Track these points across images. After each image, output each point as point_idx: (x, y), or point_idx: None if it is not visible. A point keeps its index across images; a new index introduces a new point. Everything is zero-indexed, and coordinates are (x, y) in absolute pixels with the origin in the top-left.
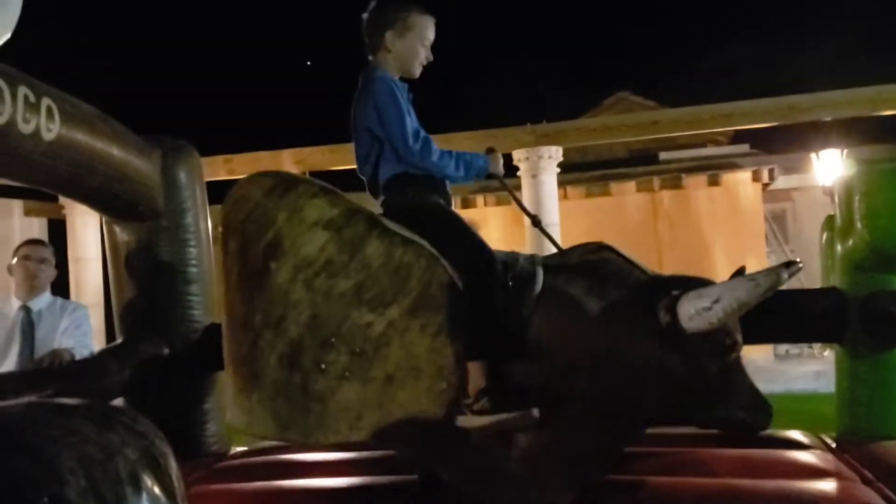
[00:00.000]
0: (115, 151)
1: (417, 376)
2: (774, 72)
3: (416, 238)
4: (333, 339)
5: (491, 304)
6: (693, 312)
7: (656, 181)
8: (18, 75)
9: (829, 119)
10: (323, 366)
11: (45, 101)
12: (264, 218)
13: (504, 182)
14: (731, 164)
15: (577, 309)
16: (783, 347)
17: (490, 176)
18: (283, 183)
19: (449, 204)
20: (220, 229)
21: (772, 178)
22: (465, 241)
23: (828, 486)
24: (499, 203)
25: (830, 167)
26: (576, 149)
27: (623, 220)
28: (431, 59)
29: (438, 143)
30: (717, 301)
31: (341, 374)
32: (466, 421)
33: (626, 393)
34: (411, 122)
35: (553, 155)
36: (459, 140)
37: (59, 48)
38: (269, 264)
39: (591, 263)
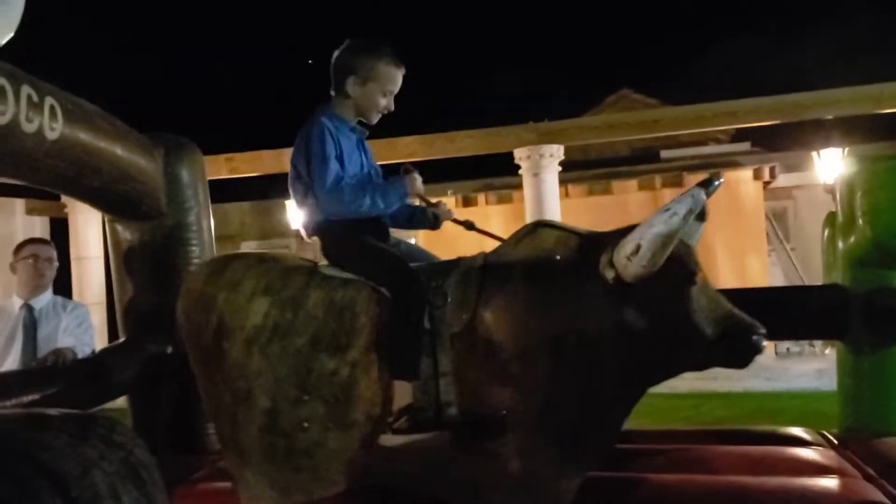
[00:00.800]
0: (118, 150)
1: (387, 406)
2: (776, 70)
3: (352, 277)
4: (305, 396)
5: (408, 321)
6: (625, 261)
7: (658, 179)
8: (21, 74)
9: (831, 117)
10: (305, 424)
11: (49, 101)
12: (206, 303)
13: (427, 200)
14: (732, 163)
15: (526, 295)
16: (784, 345)
17: (420, 198)
18: (218, 265)
19: (380, 233)
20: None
21: (773, 176)
22: (382, 266)
23: (831, 482)
24: (500, 201)
25: (832, 165)
26: (577, 147)
27: (625, 218)
28: (392, 108)
29: (441, 141)
30: (640, 241)
31: (323, 427)
32: (387, 440)
33: (591, 365)
34: (337, 168)
35: (555, 153)
36: (461, 139)
37: (60, 47)
38: (221, 345)
39: (531, 245)
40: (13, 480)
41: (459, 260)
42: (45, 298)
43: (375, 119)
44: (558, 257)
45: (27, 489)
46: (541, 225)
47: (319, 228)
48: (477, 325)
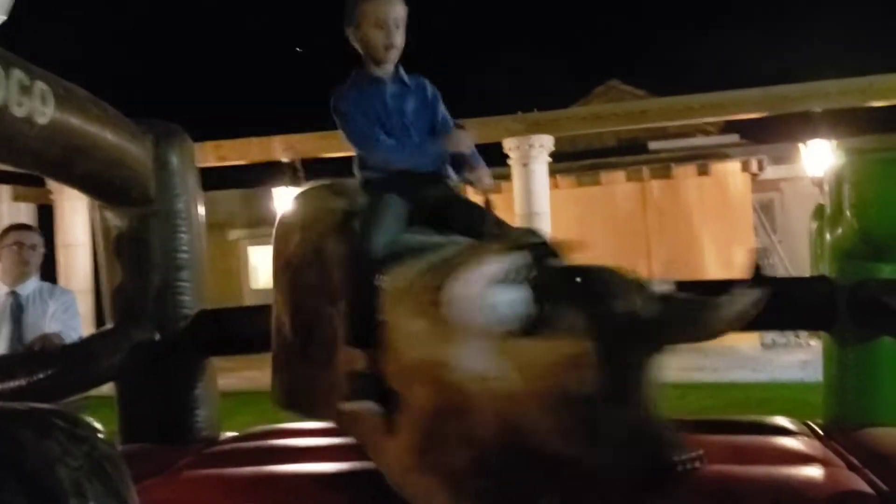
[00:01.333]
0: (109, 136)
1: None
2: (765, 62)
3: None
4: (314, 331)
5: (356, 286)
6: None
7: (646, 171)
8: (12, 58)
9: (819, 109)
10: (312, 353)
11: (39, 85)
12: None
13: (470, 160)
14: (720, 154)
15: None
16: (770, 336)
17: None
18: (306, 192)
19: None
20: None
21: (761, 168)
22: (363, 230)
23: (815, 471)
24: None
25: (819, 157)
26: (566, 138)
27: (612, 209)
28: (397, 41)
29: None
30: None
31: (322, 362)
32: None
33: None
34: (364, 124)
35: (544, 144)
36: None
37: (46, 32)
38: (275, 267)
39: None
40: None
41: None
42: (32, 285)
43: (390, 57)
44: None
45: None
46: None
47: (361, 187)
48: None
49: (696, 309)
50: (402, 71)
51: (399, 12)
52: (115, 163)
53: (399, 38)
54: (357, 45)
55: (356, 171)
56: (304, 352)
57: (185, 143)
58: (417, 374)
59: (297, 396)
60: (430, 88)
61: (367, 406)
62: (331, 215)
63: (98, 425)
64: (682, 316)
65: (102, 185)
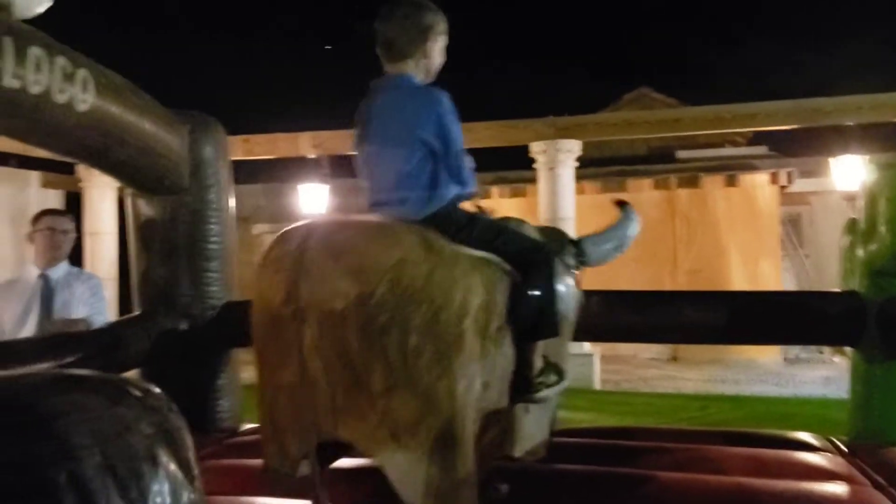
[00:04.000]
0: (146, 125)
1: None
2: (796, 74)
3: (485, 255)
4: (484, 380)
5: (554, 286)
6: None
7: (673, 179)
8: (57, 45)
9: (850, 123)
10: (476, 413)
11: (82, 73)
12: (448, 277)
13: None
14: (749, 165)
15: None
16: (793, 351)
17: None
18: (423, 234)
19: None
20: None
21: (790, 180)
22: (524, 240)
23: (839, 488)
24: (514, 195)
25: (849, 172)
26: (593, 144)
27: (639, 216)
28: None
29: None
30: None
31: (482, 413)
32: (540, 397)
33: None
34: None
35: (572, 149)
36: (479, 129)
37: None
38: (462, 326)
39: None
40: (50, 438)
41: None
42: (62, 269)
43: (435, 76)
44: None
45: (64, 447)
46: (509, 219)
47: (452, 202)
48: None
49: None
50: None
51: None
52: (151, 151)
53: None
54: (423, 55)
55: (446, 187)
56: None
57: (219, 135)
58: None
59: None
60: None
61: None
62: (456, 249)
63: (168, 397)
64: None
65: (137, 172)
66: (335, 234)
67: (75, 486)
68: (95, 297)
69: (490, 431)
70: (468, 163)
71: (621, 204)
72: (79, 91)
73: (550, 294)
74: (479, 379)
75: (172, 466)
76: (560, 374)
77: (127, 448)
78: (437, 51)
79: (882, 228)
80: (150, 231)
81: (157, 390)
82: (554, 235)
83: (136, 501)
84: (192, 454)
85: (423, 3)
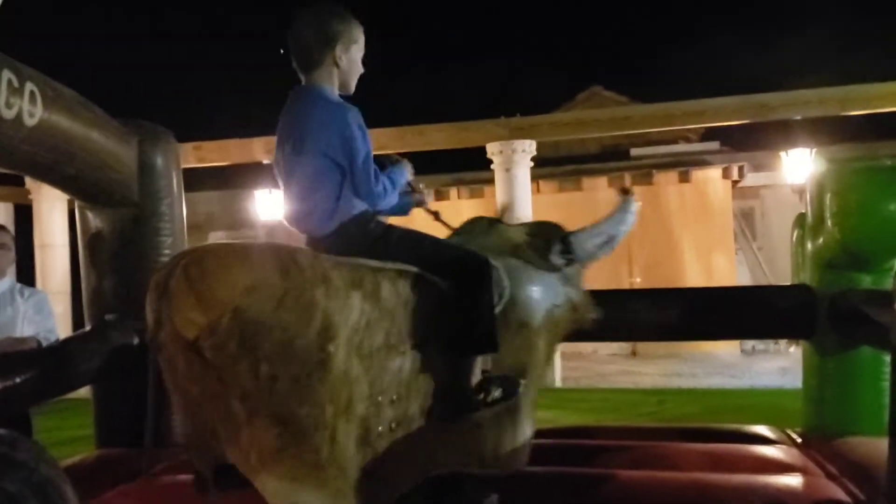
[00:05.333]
0: (96, 138)
1: (444, 396)
2: (746, 70)
3: (405, 267)
4: (380, 398)
5: (490, 297)
6: (593, 249)
7: (627, 177)
8: (2, 58)
9: (798, 118)
10: (380, 428)
11: (29, 86)
12: (301, 299)
13: (417, 187)
14: (701, 161)
15: (528, 278)
16: (749, 343)
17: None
18: (288, 257)
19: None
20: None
21: (741, 175)
22: (450, 250)
23: (793, 480)
24: (472, 195)
25: (799, 165)
26: (549, 144)
27: (594, 214)
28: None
29: (411, 135)
30: (610, 236)
31: (389, 428)
32: (480, 416)
33: (556, 334)
34: (374, 164)
35: (527, 149)
36: (431, 132)
37: (24, 29)
38: (326, 349)
39: (497, 235)
40: None
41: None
42: (4, 285)
43: (354, 87)
44: (525, 246)
45: None
46: (480, 219)
47: (359, 219)
48: (511, 305)
49: None
50: None
51: None
52: (101, 165)
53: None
54: (336, 65)
55: (346, 203)
56: (381, 435)
57: (169, 145)
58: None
59: (378, 491)
60: None
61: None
62: (356, 266)
63: (40, 445)
64: None
65: (87, 186)
66: (198, 261)
67: None
68: (41, 314)
69: (411, 447)
70: (376, 186)
71: (624, 192)
72: (27, 105)
73: (483, 306)
74: (362, 402)
75: (24, 494)
76: (510, 387)
77: None
78: (349, 60)
79: (829, 222)
80: (100, 244)
81: (28, 441)
82: (543, 231)
83: None
84: (68, 500)
85: (333, 10)
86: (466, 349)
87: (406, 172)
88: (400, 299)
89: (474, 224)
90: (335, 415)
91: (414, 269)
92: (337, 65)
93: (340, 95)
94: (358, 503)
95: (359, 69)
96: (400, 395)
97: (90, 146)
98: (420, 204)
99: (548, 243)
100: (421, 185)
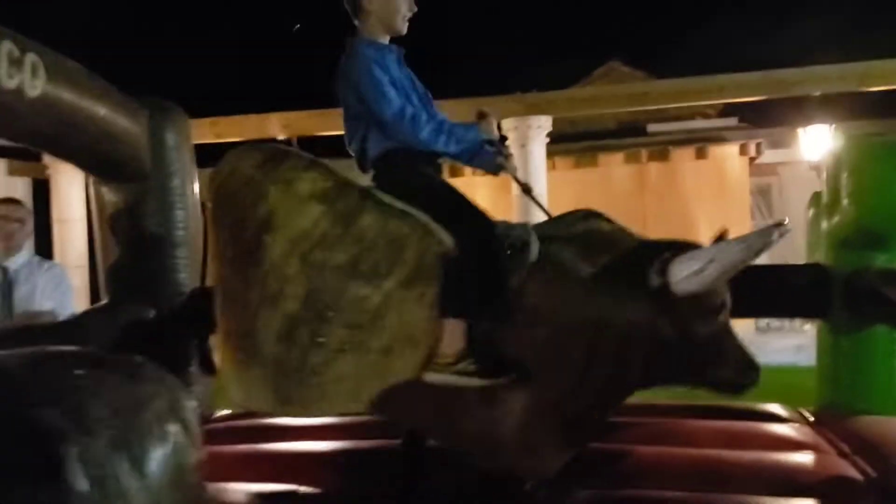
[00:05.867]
0: (101, 110)
1: (414, 346)
2: (765, 45)
3: (410, 210)
4: (330, 314)
5: (494, 270)
6: (685, 275)
7: (644, 153)
8: (2, 29)
9: (817, 94)
10: (320, 339)
11: (30, 57)
12: (257, 192)
13: (500, 147)
14: (718, 138)
15: (571, 276)
16: (765, 320)
17: (489, 143)
18: (274, 155)
19: (439, 175)
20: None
21: (759, 152)
22: (465, 213)
23: (805, 458)
24: (486, 172)
25: (817, 142)
26: (564, 120)
27: (610, 191)
28: (415, 9)
29: None
30: (709, 263)
31: (339, 348)
32: (445, 380)
33: (618, 357)
34: (396, 96)
35: (542, 125)
36: (448, 107)
37: (42, 4)
38: (263, 239)
39: (583, 231)
40: (69, 409)
41: (510, 224)
42: (21, 259)
43: (404, 27)
44: (611, 250)
45: (82, 420)
46: (594, 215)
47: (380, 159)
48: (525, 291)
49: None
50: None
51: None
52: (108, 137)
53: (415, 8)
54: (368, 8)
55: (374, 141)
56: (311, 341)
57: (181, 120)
58: (568, 333)
59: (292, 393)
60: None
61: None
62: (350, 188)
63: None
64: None
65: (95, 159)
66: (228, 153)
67: (86, 460)
68: (59, 289)
69: (357, 377)
70: (399, 121)
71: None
72: (28, 76)
73: (487, 273)
74: (293, 302)
75: (181, 442)
76: (483, 370)
77: (140, 423)
78: (382, 2)
79: (845, 201)
80: (114, 219)
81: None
82: (646, 251)
83: (147, 475)
84: (198, 433)
85: None
86: (464, 310)
87: (480, 131)
88: (387, 236)
89: (571, 215)
90: (260, 300)
91: (418, 215)
92: (366, 9)
93: (392, 39)
94: (275, 399)
95: (397, 10)
96: (360, 324)
97: (96, 118)
98: (502, 168)
99: (640, 266)
100: (512, 156)
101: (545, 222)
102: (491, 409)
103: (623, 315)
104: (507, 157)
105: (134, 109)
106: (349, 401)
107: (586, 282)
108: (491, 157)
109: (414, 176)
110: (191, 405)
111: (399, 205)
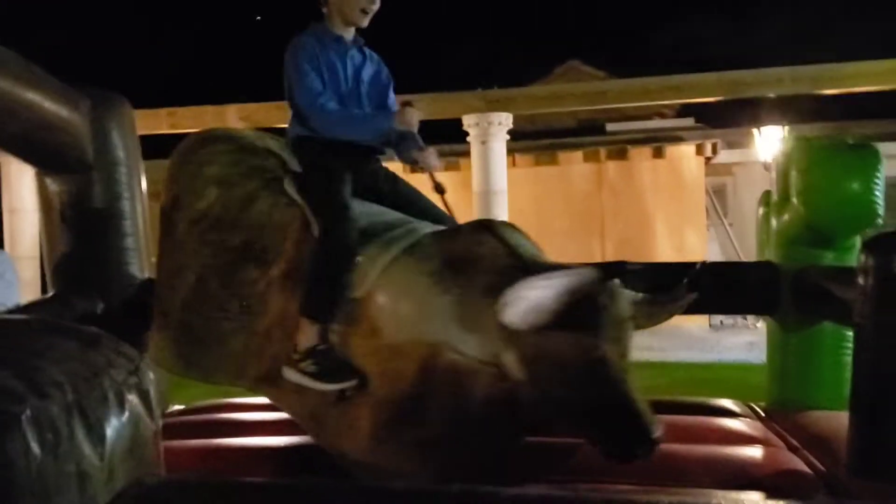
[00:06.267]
0: (37, 97)
1: (288, 336)
2: (722, 46)
3: (298, 200)
4: (226, 291)
5: (326, 264)
6: (502, 307)
7: (602, 152)
8: None
9: (772, 95)
10: (222, 312)
11: None
12: (175, 172)
13: (416, 141)
14: (675, 137)
15: (416, 293)
16: (718, 317)
17: (404, 135)
18: (205, 141)
19: (358, 156)
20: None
21: (715, 152)
22: (327, 200)
23: (755, 452)
24: (448, 168)
25: (771, 143)
26: (525, 117)
27: (569, 189)
28: (377, 4)
29: None
30: (515, 297)
31: (236, 324)
32: (289, 374)
33: (455, 389)
34: (316, 85)
35: (503, 121)
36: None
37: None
38: (173, 216)
39: (462, 243)
40: (22, 374)
41: (409, 222)
42: None
43: (363, 20)
44: (475, 270)
45: (37, 383)
46: (484, 227)
47: (294, 144)
48: (370, 300)
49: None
50: (360, 39)
51: None
52: (46, 126)
53: (377, 4)
54: (324, 2)
55: (291, 127)
56: (209, 313)
57: (124, 110)
58: (402, 352)
59: (193, 359)
60: (384, 68)
61: (327, 384)
62: (259, 174)
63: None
64: (644, 314)
65: (33, 148)
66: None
67: (39, 423)
68: (3, 280)
69: (240, 351)
70: (310, 108)
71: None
72: None
73: (320, 269)
74: (191, 273)
75: (139, 411)
76: (334, 370)
77: (98, 390)
78: None
79: (794, 200)
80: (59, 210)
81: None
82: (510, 274)
83: (101, 440)
84: (157, 403)
85: None
86: (306, 308)
87: (393, 119)
88: (274, 225)
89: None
90: (169, 272)
91: (304, 207)
92: (326, 3)
93: (358, 30)
94: (181, 363)
95: (356, 4)
96: (249, 304)
97: (32, 105)
98: (415, 163)
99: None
100: (429, 150)
101: (438, 232)
102: (343, 413)
103: (468, 343)
104: (423, 150)
105: (73, 98)
106: (236, 377)
107: (430, 301)
108: (407, 153)
109: (314, 164)
110: (150, 377)
111: (294, 195)
